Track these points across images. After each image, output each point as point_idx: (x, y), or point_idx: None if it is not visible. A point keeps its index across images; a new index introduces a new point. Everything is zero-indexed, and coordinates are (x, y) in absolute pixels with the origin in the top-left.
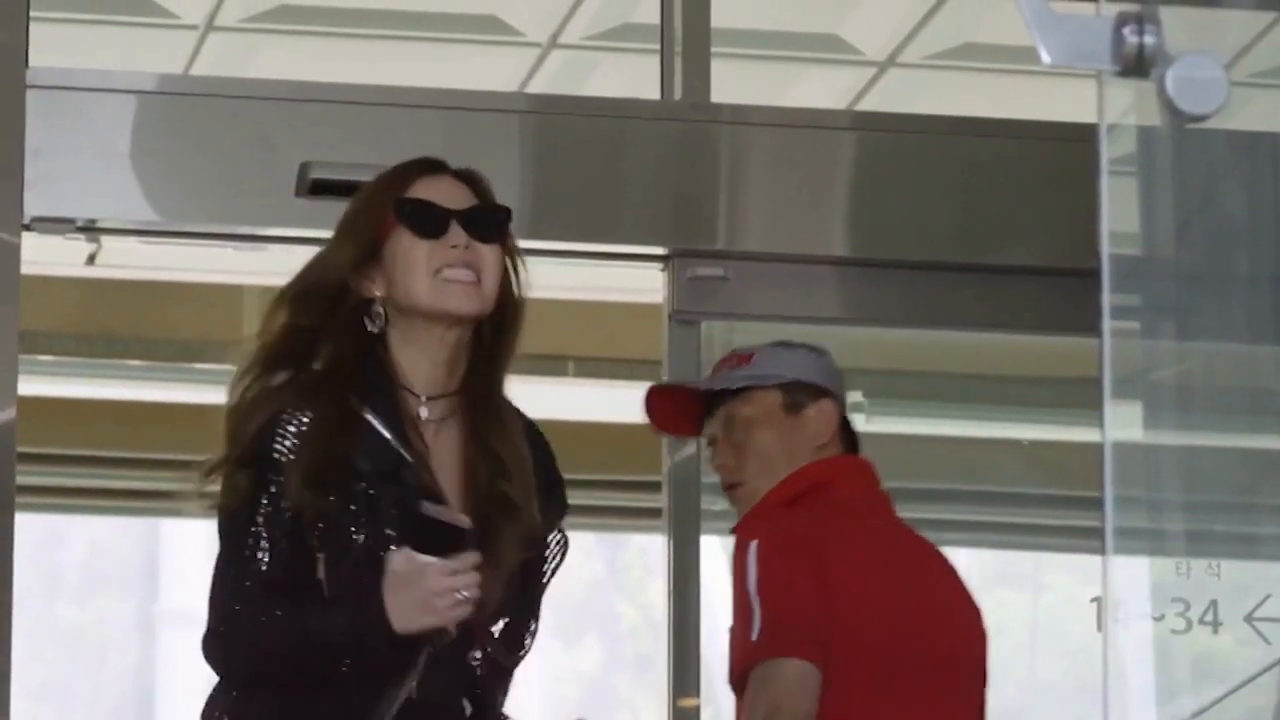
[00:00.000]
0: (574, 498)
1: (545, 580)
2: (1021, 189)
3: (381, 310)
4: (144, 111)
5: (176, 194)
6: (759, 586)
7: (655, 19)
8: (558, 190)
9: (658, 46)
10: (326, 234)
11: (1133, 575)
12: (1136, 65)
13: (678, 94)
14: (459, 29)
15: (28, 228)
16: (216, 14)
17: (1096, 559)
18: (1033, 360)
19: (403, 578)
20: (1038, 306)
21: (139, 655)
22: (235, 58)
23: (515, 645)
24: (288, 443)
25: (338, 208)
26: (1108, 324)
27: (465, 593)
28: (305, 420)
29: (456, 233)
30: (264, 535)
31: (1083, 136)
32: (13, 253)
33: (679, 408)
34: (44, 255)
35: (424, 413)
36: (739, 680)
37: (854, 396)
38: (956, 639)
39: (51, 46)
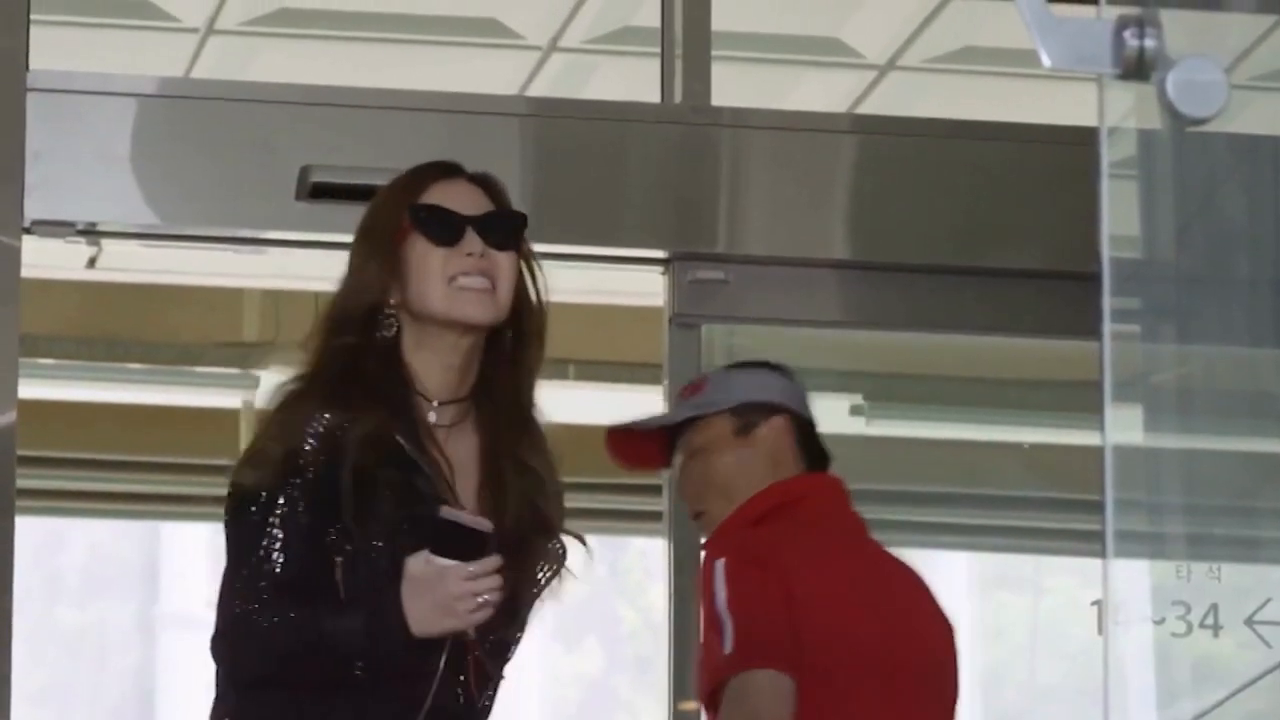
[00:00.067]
0: (575, 501)
1: (538, 591)
2: (1022, 192)
3: (394, 316)
4: (144, 115)
5: (177, 197)
6: (729, 602)
7: (656, 22)
8: (558, 193)
9: (658, 49)
10: (327, 237)
11: (1133, 578)
12: (1137, 68)
13: (678, 97)
14: (459, 32)
15: (28, 231)
16: (217, 17)
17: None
18: (1033, 363)
19: (422, 581)
20: (1038, 310)
21: (139, 658)
22: (236, 61)
23: (502, 654)
24: (308, 445)
25: (338, 211)
26: (1108, 327)
27: (486, 596)
28: (325, 423)
29: (472, 240)
30: (279, 537)
31: (1083, 140)
32: (13, 256)
33: (645, 444)
34: (44, 258)
35: (433, 417)
36: (711, 696)
37: (854, 399)
38: (925, 653)
39: (52, 49)
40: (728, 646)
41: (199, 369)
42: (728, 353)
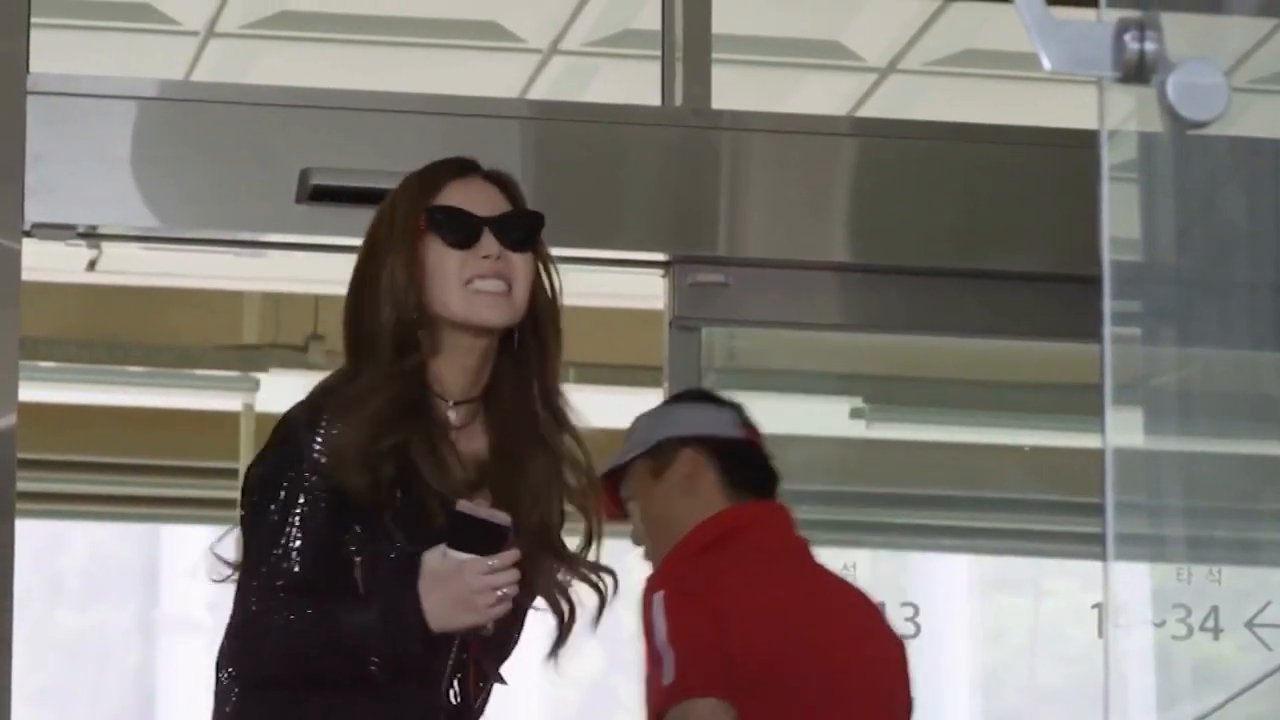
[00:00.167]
0: None
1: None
2: (1022, 195)
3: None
4: (145, 118)
5: (177, 200)
6: (668, 634)
7: (656, 25)
8: (558, 196)
9: (658, 52)
10: (327, 240)
11: (1134, 581)
12: (1137, 71)
13: (678, 100)
14: (460, 35)
15: (28, 234)
16: (217, 20)
17: (1097, 565)
18: (1034, 366)
19: (440, 576)
20: (1039, 312)
21: (139, 660)
22: (236, 64)
23: (500, 654)
24: (327, 444)
25: (338, 214)
26: (1109, 330)
27: (505, 590)
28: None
29: (488, 241)
30: (298, 537)
31: (1083, 143)
32: (13, 259)
33: (606, 495)
34: (45, 261)
35: (453, 417)
36: None
37: (855, 402)
38: (870, 674)
39: (52, 53)
40: (668, 677)
41: (199, 372)
42: (728, 355)
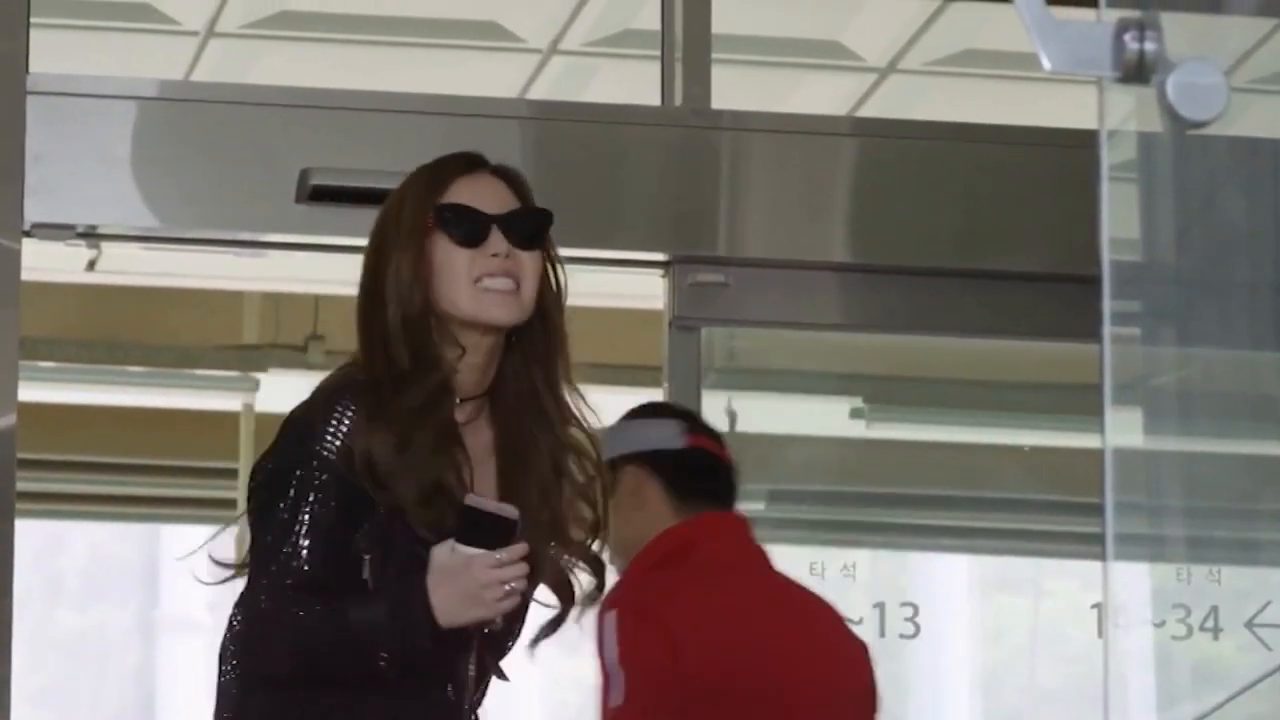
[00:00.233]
0: None
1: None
2: (1022, 195)
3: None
4: (144, 118)
5: (177, 200)
6: (620, 656)
7: (656, 25)
8: (558, 196)
9: (658, 52)
10: (326, 240)
11: (1133, 581)
12: (1137, 71)
13: (678, 100)
14: (460, 35)
15: (28, 234)
16: (217, 20)
17: (1097, 565)
18: (1033, 366)
19: (448, 571)
20: (1038, 312)
21: (139, 660)
22: (236, 64)
23: (500, 649)
24: (337, 442)
25: (338, 214)
26: (1108, 330)
27: (513, 584)
28: (351, 417)
29: (497, 239)
30: (307, 535)
31: (1083, 142)
32: (13, 259)
33: None
34: (44, 261)
35: (460, 416)
36: None
37: (854, 402)
38: (828, 683)
39: (52, 53)
40: (616, 699)
41: (199, 371)
42: (728, 355)
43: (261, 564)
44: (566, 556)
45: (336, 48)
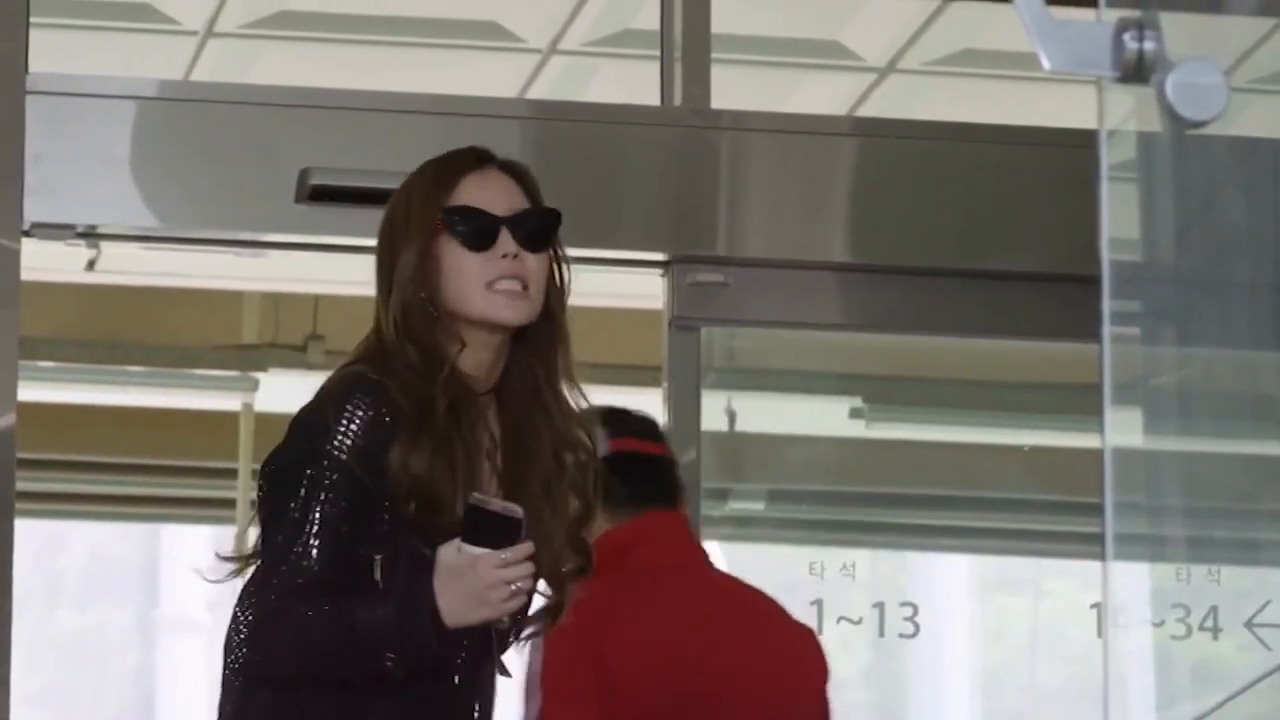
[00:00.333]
0: None
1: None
2: (1022, 195)
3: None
4: (144, 117)
5: (176, 200)
6: (541, 673)
7: (655, 25)
8: (557, 196)
9: (658, 52)
10: (326, 240)
11: (1133, 581)
12: (1137, 71)
13: (678, 100)
14: (459, 35)
15: (28, 233)
16: (216, 20)
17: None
18: (1033, 366)
19: (455, 571)
20: (1038, 312)
21: (139, 660)
22: (235, 63)
23: (502, 646)
24: (348, 441)
25: (338, 214)
26: (1108, 330)
27: (519, 584)
28: (361, 416)
29: (506, 241)
30: (317, 535)
31: (1083, 142)
32: (13, 258)
33: None
34: (44, 261)
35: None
36: None
37: (854, 402)
38: (767, 684)
39: (52, 52)
40: (530, 717)
41: (199, 371)
42: (727, 355)
43: (273, 563)
44: (558, 547)
45: (336, 48)
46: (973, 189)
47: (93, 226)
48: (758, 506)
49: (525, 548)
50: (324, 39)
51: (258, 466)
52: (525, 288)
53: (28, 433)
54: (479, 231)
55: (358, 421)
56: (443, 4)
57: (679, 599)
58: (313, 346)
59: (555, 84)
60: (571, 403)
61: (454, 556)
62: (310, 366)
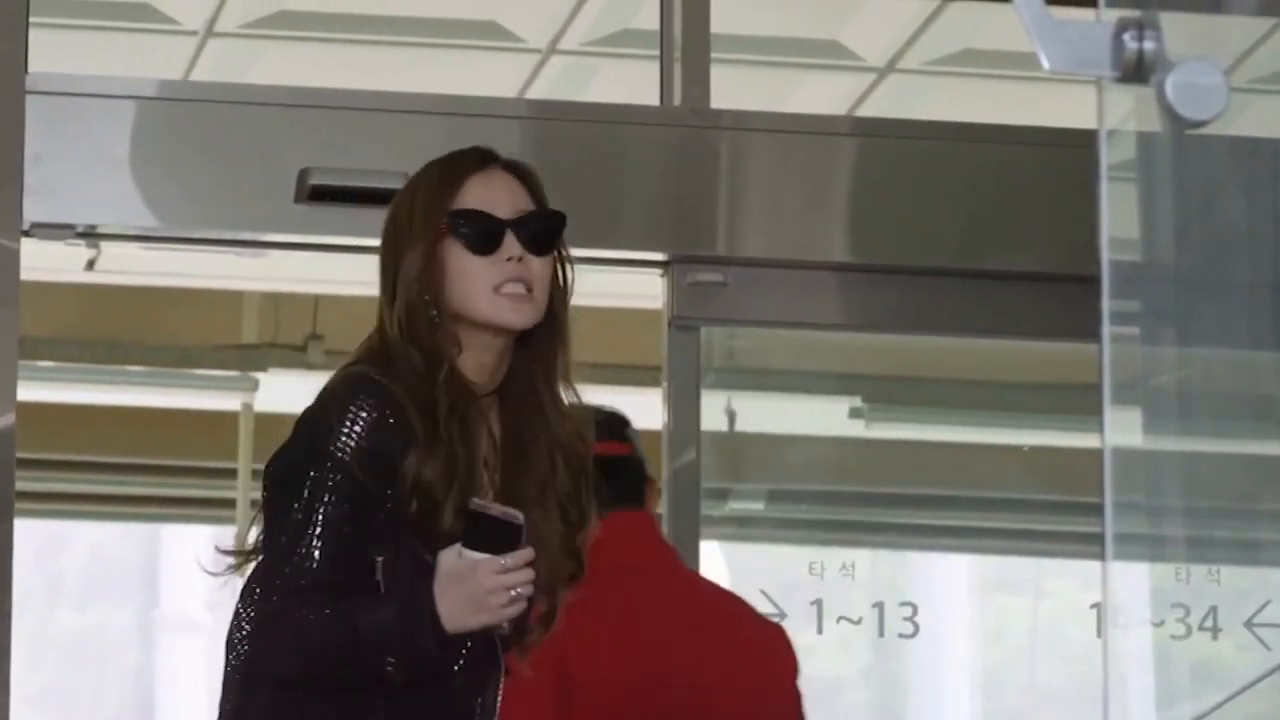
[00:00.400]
0: None
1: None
2: (1021, 195)
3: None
4: (144, 117)
5: (176, 200)
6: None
7: (655, 25)
8: (557, 196)
9: (657, 52)
10: (326, 240)
11: (1133, 581)
12: (1136, 71)
13: (677, 100)
14: (459, 35)
15: (27, 233)
16: (216, 20)
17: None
18: (1033, 366)
19: (455, 576)
20: (1037, 312)
21: (139, 660)
22: (235, 63)
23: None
24: (352, 442)
25: (337, 214)
26: (1107, 329)
27: (519, 590)
28: (365, 417)
29: (511, 244)
30: (320, 536)
31: (1083, 142)
32: (13, 258)
33: None
34: (44, 261)
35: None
36: None
37: (854, 402)
38: (732, 687)
39: (51, 52)
40: None
41: (198, 371)
42: (727, 355)
43: (275, 564)
44: (555, 552)
45: (336, 47)
46: (973, 189)
47: (93, 226)
48: (757, 506)
49: (525, 553)
50: (324, 39)
51: (258, 466)
52: (530, 290)
53: (28, 433)
54: (483, 235)
55: (361, 423)
56: (443, 4)
57: (644, 600)
58: (313, 346)
59: (555, 84)
60: (569, 406)
61: (454, 561)
62: (310, 366)
